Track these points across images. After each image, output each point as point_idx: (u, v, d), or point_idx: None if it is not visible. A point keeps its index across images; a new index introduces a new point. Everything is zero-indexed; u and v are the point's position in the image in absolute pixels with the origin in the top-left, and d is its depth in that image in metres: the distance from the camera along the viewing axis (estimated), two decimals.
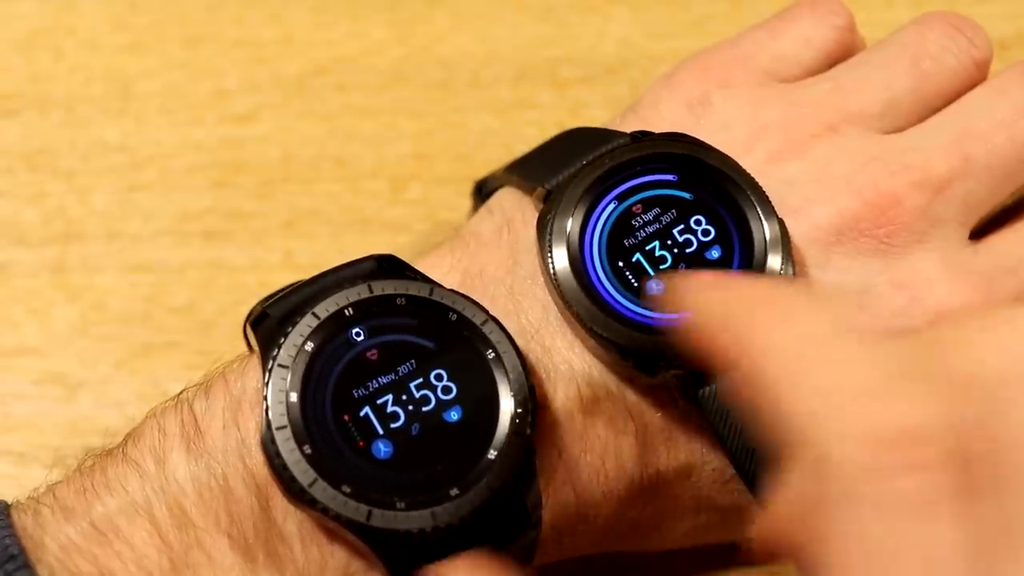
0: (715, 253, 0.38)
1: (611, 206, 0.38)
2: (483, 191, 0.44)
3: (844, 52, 0.43)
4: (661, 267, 0.38)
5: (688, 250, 0.38)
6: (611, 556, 0.41)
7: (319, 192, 0.52)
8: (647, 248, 0.38)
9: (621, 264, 0.38)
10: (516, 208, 0.40)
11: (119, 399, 0.48)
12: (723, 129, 0.41)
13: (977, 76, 0.42)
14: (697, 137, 0.40)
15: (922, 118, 0.41)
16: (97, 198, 0.52)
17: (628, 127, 0.41)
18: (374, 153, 0.53)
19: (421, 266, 0.39)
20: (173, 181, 0.53)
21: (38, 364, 0.49)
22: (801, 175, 0.40)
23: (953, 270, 0.39)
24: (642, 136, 0.40)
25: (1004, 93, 0.41)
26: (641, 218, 0.38)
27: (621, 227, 0.38)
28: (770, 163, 0.40)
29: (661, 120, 0.41)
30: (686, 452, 0.38)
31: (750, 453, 0.37)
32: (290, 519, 0.35)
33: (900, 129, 0.41)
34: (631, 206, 0.38)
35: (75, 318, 0.50)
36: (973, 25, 0.43)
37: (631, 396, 0.38)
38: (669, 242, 0.38)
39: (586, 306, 0.37)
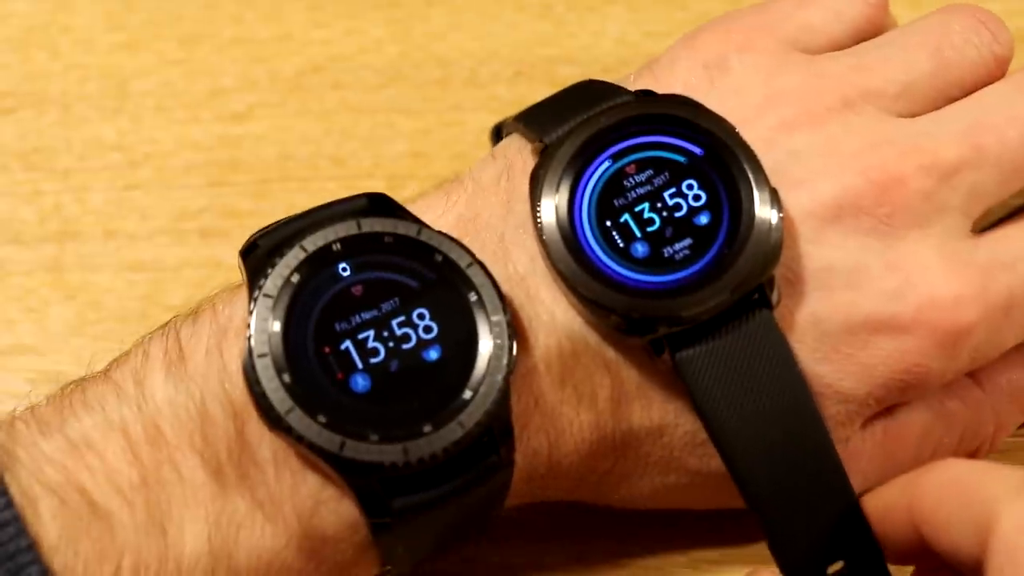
0: (703, 219, 0.38)
1: (605, 164, 0.38)
2: (500, 135, 0.44)
3: (874, 30, 0.43)
4: (648, 229, 0.38)
5: (677, 214, 0.38)
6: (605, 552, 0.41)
7: (316, 190, 0.52)
8: (636, 209, 0.38)
9: (609, 224, 0.38)
10: (518, 155, 0.40)
11: None
12: (736, 93, 0.40)
13: (996, 72, 0.42)
14: (708, 99, 0.39)
15: (938, 105, 0.41)
16: (93, 197, 0.52)
17: (641, 84, 0.41)
18: (371, 152, 0.53)
19: (416, 207, 0.39)
20: (170, 180, 0.53)
21: (34, 363, 0.49)
22: (809, 147, 0.39)
23: (950, 259, 0.39)
24: (644, 95, 0.40)
25: (1021, 90, 0.41)
26: (633, 179, 0.38)
27: (613, 187, 0.38)
28: (780, 131, 0.40)
29: (675, 80, 0.41)
30: (660, 412, 0.39)
31: (723, 418, 0.37)
32: (265, 445, 0.36)
33: (915, 114, 0.41)
34: (625, 166, 0.38)
35: (71, 317, 0.50)
36: (998, 21, 0.42)
37: (610, 352, 0.38)
38: (659, 205, 0.38)
39: (569, 264, 0.37)
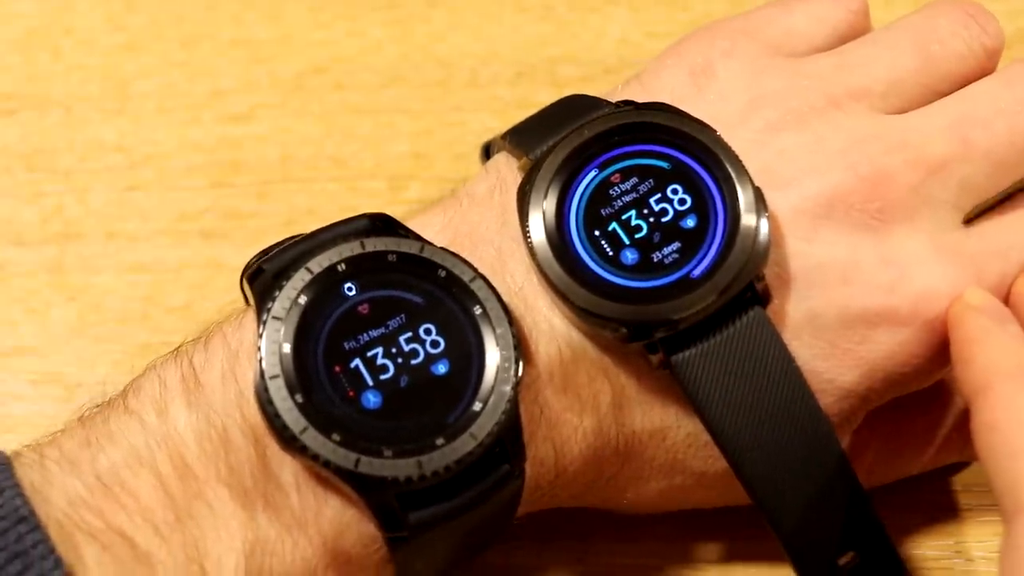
0: (690, 222, 0.38)
1: (591, 176, 0.39)
2: (489, 153, 0.44)
3: (855, 36, 0.43)
4: (636, 236, 0.38)
5: (664, 219, 0.38)
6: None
7: (317, 192, 0.52)
8: (623, 217, 0.38)
9: (597, 233, 0.38)
10: (509, 169, 0.41)
11: None
12: (722, 98, 0.41)
13: (987, 64, 0.42)
14: (695, 105, 0.40)
15: (927, 101, 0.41)
16: (95, 198, 0.52)
17: (629, 94, 0.41)
18: (372, 152, 0.53)
19: (414, 224, 0.39)
20: (171, 181, 0.53)
21: (36, 364, 0.49)
22: (796, 147, 0.40)
23: (942, 251, 0.39)
24: (625, 105, 0.40)
25: (1010, 84, 0.41)
26: (619, 187, 0.39)
27: (599, 197, 0.39)
28: (767, 133, 0.40)
29: (662, 87, 0.41)
30: (660, 415, 0.39)
31: (723, 419, 0.37)
32: (286, 468, 0.36)
33: (903, 110, 0.41)
34: (609, 176, 0.39)
35: (73, 318, 0.50)
36: (986, 13, 0.42)
37: (608, 358, 0.38)
38: (645, 211, 0.38)
39: (562, 277, 0.37)
